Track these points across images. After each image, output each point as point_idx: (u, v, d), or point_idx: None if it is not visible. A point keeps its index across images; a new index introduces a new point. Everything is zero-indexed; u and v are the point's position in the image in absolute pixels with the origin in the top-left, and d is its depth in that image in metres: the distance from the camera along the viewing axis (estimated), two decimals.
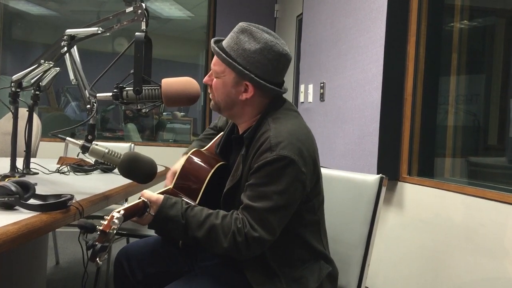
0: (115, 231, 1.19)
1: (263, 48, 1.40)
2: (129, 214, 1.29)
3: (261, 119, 1.44)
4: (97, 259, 1.14)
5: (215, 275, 1.45)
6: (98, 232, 1.17)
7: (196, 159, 1.54)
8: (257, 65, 1.40)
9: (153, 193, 1.39)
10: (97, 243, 1.14)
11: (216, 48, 1.44)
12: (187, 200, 1.45)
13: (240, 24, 1.46)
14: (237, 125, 1.56)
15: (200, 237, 1.33)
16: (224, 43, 1.46)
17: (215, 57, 1.47)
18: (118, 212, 1.22)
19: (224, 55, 1.42)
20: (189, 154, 1.55)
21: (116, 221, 1.19)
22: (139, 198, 1.37)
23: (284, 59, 1.45)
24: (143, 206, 1.35)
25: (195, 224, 1.33)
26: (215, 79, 1.47)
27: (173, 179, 1.52)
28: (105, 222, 1.18)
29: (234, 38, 1.43)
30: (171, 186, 1.50)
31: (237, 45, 1.42)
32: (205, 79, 1.51)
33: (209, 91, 1.52)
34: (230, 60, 1.41)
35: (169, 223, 1.34)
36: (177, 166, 1.59)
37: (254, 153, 1.37)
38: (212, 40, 1.49)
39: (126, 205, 1.30)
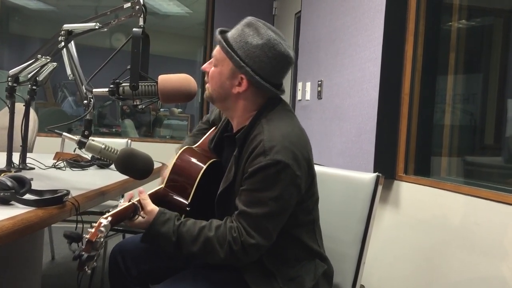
0: (102, 239, 1.16)
1: (264, 44, 1.39)
2: (117, 219, 1.26)
3: (255, 119, 1.43)
4: (85, 268, 1.11)
5: (210, 275, 1.44)
6: (85, 241, 1.14)
7: (187, 157, 1.53)
8: (255, 60, 1.39)
9: (150, 201, 1.37)
10: (83, 253, 1.11)
11: (219, 37, 1.43)
12: (180, 200, 1.44)
13: (249, 18, 1.45)
14: (230, 120, 1.54)
15: (196, 251, 1.32)
16: (229, 34, 1.45)
17: (218, 45, 1.46)
18: (106, 218, 1.19)
19: (224, 44, 1.41)
20: (180, 151, 1.54)
21: (102, 229, 1.16)
22: (129, 201, 1.36)
23: (285, 60, 1.42)
24: (133, 209, 1.33)
25: (189, 239, 1.32)
26: (213, 67, 1.46)
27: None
28: (92, 230, 1.15)
29: (239, 30, 1.43)
30: (162, 186, 1.49)
31: (240, 37, 1.41)
32: (205, 65, 1.50)
33: (205, 79, 1.51)
34: (229, 50, 1.40)
35: (160, 239, 1.33)
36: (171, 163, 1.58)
37: (248, 156, 1.36)
38: (218, 30, 1.48)
39: (114, 210, 1.27)
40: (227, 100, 1.46)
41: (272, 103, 1.46)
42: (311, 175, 1.44)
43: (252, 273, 1.39)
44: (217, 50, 1.45)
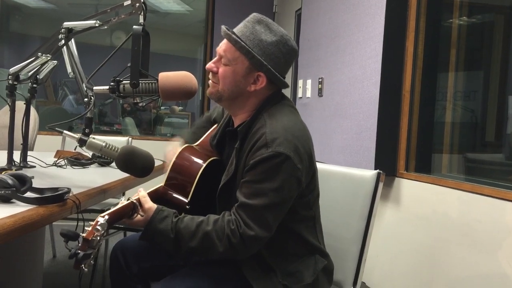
0: (98, 238, 1.15)
1: (279, 41, 1.39)
2: (115, 217, 1.25)
3: (257, 113, 1.43)
4: (82, 266, 1.10)
5: (210, 271, 1.45)
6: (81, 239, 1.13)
7: (187, 155, 1.52)
8: (271, 57, 1.39)
9: (148, 199, 1.37)
10: (79, 251, 1.10)
11: (233, 35, 1.39)
12: (179, 198, 1.44)
13: (255, 14, 1.43)
14: (233, 116, 1.53)
15: (194, 247, 1.32)
16: (237, 31, 1.42)
17: (226, 43, 1.42)
18: (103, 217, 1.19)
19: (242, 43, 1.38)
20: (179, 150, 1.53)
21: (99, 227, 1.15)
22: (128, 199, 1.35)
23: (295, 55, 1.46)
24: (132, 208, 1.33)
25: (187, 235, 1.32)
26: (223, 66, 1.42)
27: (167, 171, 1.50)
28: (89, 229, 1.14)
29: (249, 27, 1.40)
30: (162, 184, 1.49)
31: (253, 35, 1.39)
32: (210, 65, 1.45)
33: (210, 77, 1.47)
34: (249, 49, 1.37)
35: (159, 236, 1.33)
36: (174, 145, 1.59)
37: (250, 148, 1.36)
38: (225, 27, 1.43)
39: (112, 209, 1.27)
40: (239, 98, 1.45)
41: (274, 98, 1.46)
42: (312, 169, 1.44)
43: (252, 268, 1.40)
44: (227, 48, 1.41)
